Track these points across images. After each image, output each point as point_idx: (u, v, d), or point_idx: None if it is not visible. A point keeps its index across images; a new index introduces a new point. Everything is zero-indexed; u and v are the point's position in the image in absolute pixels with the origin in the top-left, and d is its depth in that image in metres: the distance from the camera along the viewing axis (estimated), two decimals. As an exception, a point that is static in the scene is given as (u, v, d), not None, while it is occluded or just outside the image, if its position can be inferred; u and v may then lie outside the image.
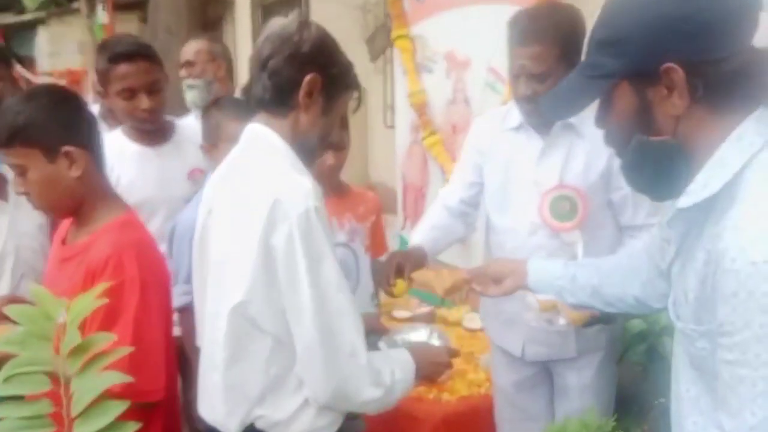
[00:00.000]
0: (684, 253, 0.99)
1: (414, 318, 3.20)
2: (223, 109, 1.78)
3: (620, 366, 2.30)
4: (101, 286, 1.11)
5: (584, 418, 1.54)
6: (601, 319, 1.68)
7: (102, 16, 8.79)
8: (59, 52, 9.14)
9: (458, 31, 3.14)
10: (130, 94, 1.93)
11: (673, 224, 1.00)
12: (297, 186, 1.19)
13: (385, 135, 4.91)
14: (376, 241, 2.14)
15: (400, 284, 1.72)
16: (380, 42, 4.72)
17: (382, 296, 3.47)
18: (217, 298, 1.26)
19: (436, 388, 2.46)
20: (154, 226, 2.02)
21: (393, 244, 4.01)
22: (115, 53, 1.93)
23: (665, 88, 0.91)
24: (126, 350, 1.05)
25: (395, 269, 1.73)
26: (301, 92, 1.23)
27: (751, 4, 0.89)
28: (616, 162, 1.76)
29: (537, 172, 1.81)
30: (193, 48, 2.70)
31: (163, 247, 1.95)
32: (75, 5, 8.62)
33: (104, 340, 1.03)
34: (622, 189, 1.79)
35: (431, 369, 1.44)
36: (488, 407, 2.21)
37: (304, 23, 1.25)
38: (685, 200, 0.94)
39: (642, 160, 0.98)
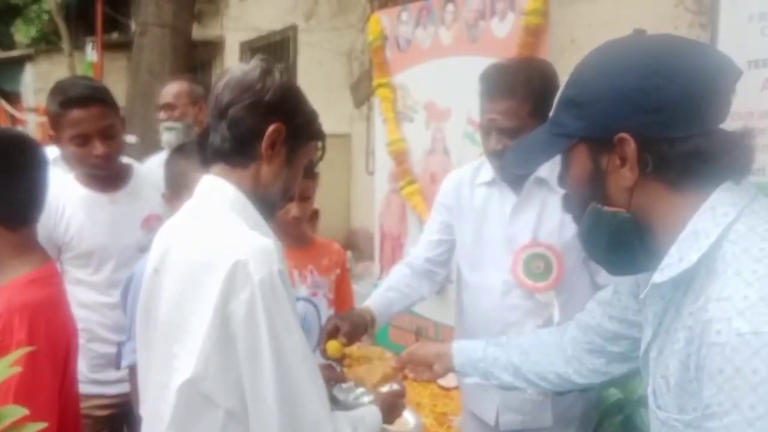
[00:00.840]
0: (662, 335, 0.92)
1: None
2: (189, 156, 1.70)
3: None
4: (16, 353, 1.02)
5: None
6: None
7: (91, 54, 8.86)
8: (45, 89, 9.12)
9: (439, 82, 3.14)
10: (83, 140, 1.84)
11: (649, 302, 0.93)
12: (260, 247, 1.08)
13: (367, 181, 4.88)
14: (341, 295, 2.03)
15: (332, 345, 1.63)
16: (364, 89, 4.74)
17: (355, 348, 3.38)
18: (165, 369, 1.14)
19: (405, 451, 2.35)
20: (104, 275, 1.92)
21: (370, 293, 3.93)
22: (68, 98, 1.82)
23: (618, 158, 0.88)
24: (42, 425, 0.95)
25: (330, 330, 1.64)
26: (264, 143, 1.14)
27: (718, 88, 0.86)
28: None
29: (510, 228, 1.74)
30: (173, 90, 2.65)
31: (114, 297, 1.87)
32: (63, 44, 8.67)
33: (13, 414, 0.93)
34: None
35: (391, 418, 1.39)
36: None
37: (267, 70, 1.17)
38: (660, 275, 0.88)
39: (595, 229, 0.94)
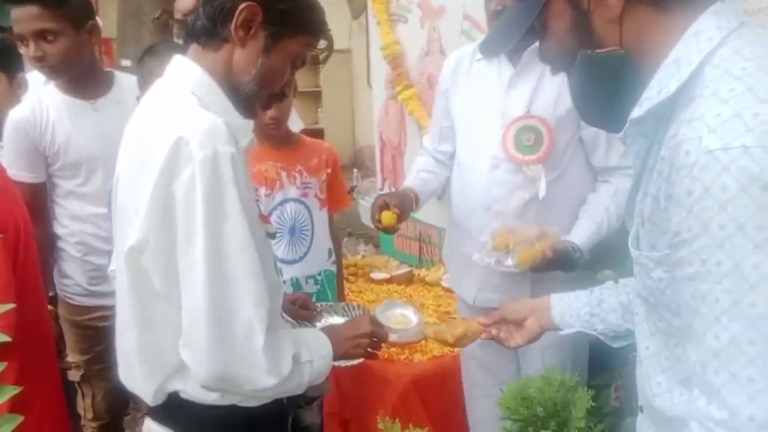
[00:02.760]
0: (646, 176, 0.87)
1: (392, 279, 3.13)
2: (158, 55, 1.65)
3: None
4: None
5: (548, 375, 1.46)
6: (556, 264, 1.59)
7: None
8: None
9: (432, -22, 2.98)
10: (21, 40, 1.79)
11: (629, 141, 0.87)
12: (207, 125, 1.02)
13: (368, 96, 4.77)
14: (334, 195, 2.02)
15: (387, 215, 1.65)
16: (361, -3, 4.53)
17: (360, 258, 3.40)
18: (119, 248, 1.12)
19: (408, 348, 2.40)
20: (94, 186, 1.92)
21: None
22: None
23: None
24: (5, 308, 0.95)
25: (380, 205, 1.68)
26: (234, 22, 1.07)
27: None
28: None
29: (505, 102, 1.71)
30: (185, 2, 2.56)
31: (104, 209, 1.86)
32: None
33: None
34: None
35: (351, 344, 1.28)
36: (459, 367, 2.13)
37: None
38: (638, 110, 0.83)
39: (591, 78, 0.88)
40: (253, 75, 1.12)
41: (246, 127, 1.14)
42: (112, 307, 1.98)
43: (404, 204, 1.72)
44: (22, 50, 1.80)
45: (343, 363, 1.45)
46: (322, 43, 1.20)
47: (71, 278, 2.00)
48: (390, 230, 1.69)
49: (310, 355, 1.14)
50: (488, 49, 0.98)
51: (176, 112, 1.06)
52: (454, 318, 2.63)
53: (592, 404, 1.38)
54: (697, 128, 0.73)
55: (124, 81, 2.00)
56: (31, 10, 1.76)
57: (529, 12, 0.91)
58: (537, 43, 1.62)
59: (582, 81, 0.90)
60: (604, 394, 1.91)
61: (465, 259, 1.79)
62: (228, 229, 1.01)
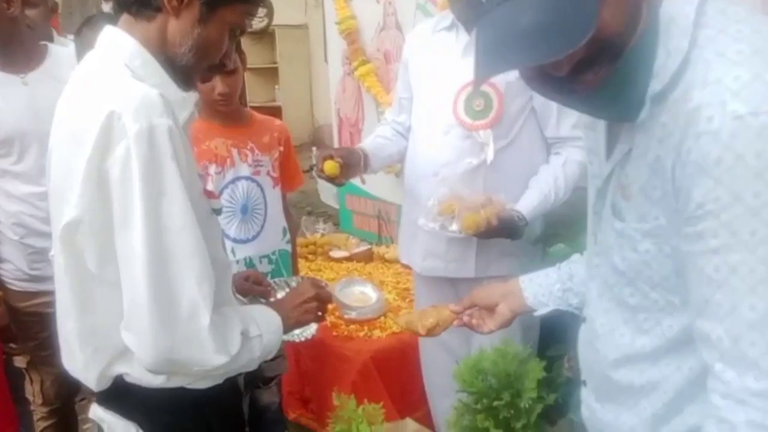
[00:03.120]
0: (634, 149, 0.83)
1: (352, 257, 3.13)
2: (96, 27, 1.57)
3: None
4: None
5: (501, 347, 1.47)
6: (500, 232, 1.60)
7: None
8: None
9: (387, -50, 2.93)
10: None
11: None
12: (140, 97, 0.97)
13: (327, 72, 4.71)
14: (288, 173, 1.98)
15: (329, 163, 1.65)
16: (316, -29, 4.44)
17: (319, 236, 3.38)
18: (54, 229, 1.07)
19: (368, 325, 2.40)
20: (29, 164, 1.85)
21: (333, 189, 3.89)
22: None
23: None
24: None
25: (324, 156, 1.68)
26: None
27: None
28: None
29: (458, 69, 1.69)
30: None
31: (43, 186, 1.79)
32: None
33: None
34: None
35: (299, 311, 1.25)
36: (418, 343, 2.15)
37: None
38: (657, 82, 0.75)
39: (623, 69, 0.75)
40: (190, 46, 1.07)
41: (185, 100, 1.09)
42: (53, 292, 1.96)
43: (350, 158, 1.72)
44: None
45: (296, 337, 1.44)
46: (261, 12, 1.15)
47: (10, 263, 1.93)
48: (333, 180, 1.69)
49: (258, 330, 1.12)
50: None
51: (108, 85, 1.01)
52: (409, 289, 2.65)
53: (546, 375, 1.41)
54: (716, 92, 0.69)
55: (60, 53, 1.92)
56: None
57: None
58: None
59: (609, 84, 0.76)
60: (558, 365, 1.94)
61: (413, 227, 1.79)
62: (167, 206, 0.97)
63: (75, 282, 1.05)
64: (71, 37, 3.83)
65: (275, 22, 4.39)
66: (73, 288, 1.06)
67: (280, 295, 1.49)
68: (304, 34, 5.36)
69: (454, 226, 1.58)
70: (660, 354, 0.85)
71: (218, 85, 1.71)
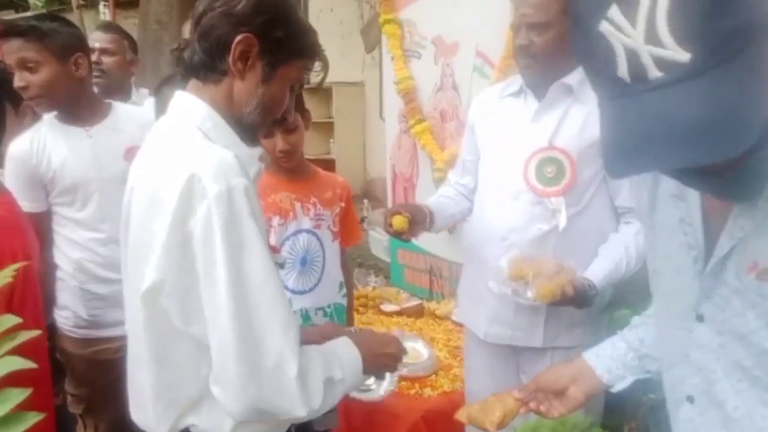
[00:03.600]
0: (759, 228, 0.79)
1: (402, 311, 3.12)
2: (175, 85, 1.68)
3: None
4: (13, 266, 1.03)
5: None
6: (571, 300, 1.57)
7: (103, 12, 8.82)
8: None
9: (446, 15, 3.04)
10: (10, 70, 1.86)
11: None
12: (218, 160, 1.02)
13: (381, 128, 4.83)
14: (347, 228, 2.03)
15: (398, 218, 1.67)
16: (375, 33, 4.61)
17: (370, 289, 3.39)
18: (133, 288, 1.11)
19: (419, 383, 2.38)
20: (90, 210, 1.93)
21: (385, 240, 3.92)
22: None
23: None
24: (32, 333, 0.96)
25: (392, 211, 1.71)
26: (232, 55, 1.07)
27: None
28: None
29: (528, 135, 1.72)
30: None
31: (103, 233, 1.92)
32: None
33: (8, 323, 0.94)
34: None
35: (381, 362, 1.26)
36: (468, 405, 2.11)
37: None
38: None
39: None
40: (255, 105, 1.12)
41: (252, 157, 1.14)
42: (113, 339, 1.95)
43: (417, 214, 1.74)
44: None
45: (363, 396, 1.42)
46: (317, 66, 1.21)
47: (69, 309, 1.98)
48: (401, 235, 1.70)
49: (342, 373, 1.12)
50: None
51: (185, 149, 1.07)
52: (460, 347, 2.62)
53: (606, 444, 1.36)
54: None
55: (121, 110, 2.06)
56: (16, 42, 1.84)
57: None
58: (563, 79, 1.66)
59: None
60: (618, 435, 1.88)
61: (478, 291, 1.77)
62: (248, 260, 1.01)
63: (155, 338, 1.08)
64: (144, 90, 4.07)
65: (333, 79, 4.54)
66: (150, 344, 1.08)
67: None
68: (360, 90, 5.53)
69: (529, 294, 1.54)
70: None
71: (279, 142, 1.78)
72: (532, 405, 1.21)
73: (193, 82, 1.14)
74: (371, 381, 1.37)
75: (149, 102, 2.72)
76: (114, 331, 1.97)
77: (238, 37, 1.07)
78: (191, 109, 1.11)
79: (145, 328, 1.08)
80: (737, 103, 0.60)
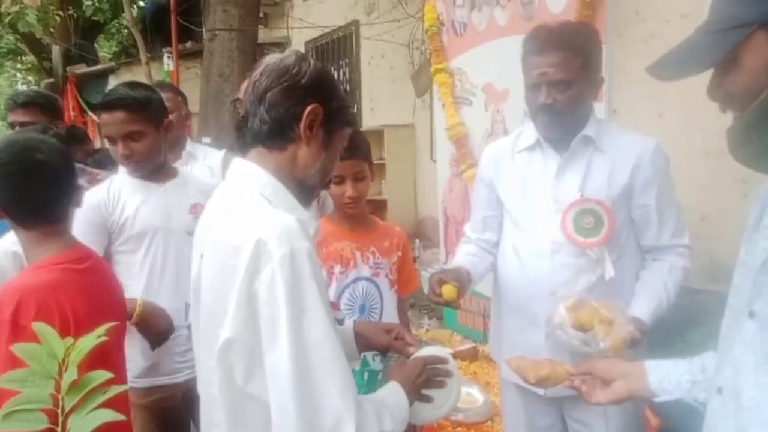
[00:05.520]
0: None
1: (456, 355, 3.14)
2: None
3: (663, 404, 2.16)
4: (105, 326, 1.13)
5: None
6: (635, 343, 1.56)
7: (168, 63, 9.32)
8: (127, 99, 9.62)
9: (496, 63, 3.13)
10: (111, 140, 2.02)
11: None
12: (282, 225, 1.07)
13: (431, 169, 4.91)
14: (404, 277, 2.09)
15: (447, 288, 1.64)
16: (425, 78, 4.75)
17: (424, 331, 3.43)
18: (206, 351, 1.16)
19: (474, 429, 2.40)
20: (152, 257, 2.03)
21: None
22: (101, 102, 2.04)
23: None
24: (121, 388, 1.05)
25: (438, 280, 1.68)
26: (303, 123, 1.17)
27: None
28: (639, 177, 1.71)
29: (556, 188, 1.75)
30: (244, 87, 2.82)
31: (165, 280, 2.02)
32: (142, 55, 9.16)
33: (100, 377, 1.04)
34: (647, 205, 1.72)
35: (417, 392, 1.29)
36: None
37: (302, 56, 1.21)
38: None
39: (766, 119, 0.87)
40: (318, 168, 1.21)
41: (311, 218, 1.21)
42: (172, 387, 2.07)
43: (461, 279, 1.72)
44: (110, 148, 2.05)
45: (415, 421, 1.45)
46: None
47: (130, 360, 1.99)
48: (452, 304, 1.67)
49: (392, 424, 1.16)
50: (660, 74, 0.95)
51: (252, 215, 1.12)
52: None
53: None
54: None
55: (185, 172, 2.25)
56: (120, 115, 1.98)
57: (722, 45, 0.90)
58: (584, 131, 1.70)
59: (756, 121, 0.88)
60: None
61: (532, 347, 1.77)
62: (310, 322, 1.05)
63: (228, 397, 1.13)
64: (206, 140, 4.30)
65: (384, 122, 4.70)
66: (225, 402, 1.13)
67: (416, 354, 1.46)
68: (411, 132, 5.66)
69: (602, 345, 1.51)
70: None
71: (349, 189, 1.88)
72: (577, 383, 1.26)
73: (256, 150, 1.21)
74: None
75: (213, 154, 2.89)
76: (172, 379, 2.07)
77: (309, 108, 1.17)
78: (252, 175, 1.18)
79: (220, 387, 1.13)
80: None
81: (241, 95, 2.68)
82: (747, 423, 0.90)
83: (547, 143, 1.78)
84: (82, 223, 1.99)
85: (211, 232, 1.21)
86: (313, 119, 1.18)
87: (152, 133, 2.04)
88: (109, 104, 2.00)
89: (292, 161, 1.20)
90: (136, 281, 2.04)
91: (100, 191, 2.06)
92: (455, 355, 3.14)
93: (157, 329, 1.99)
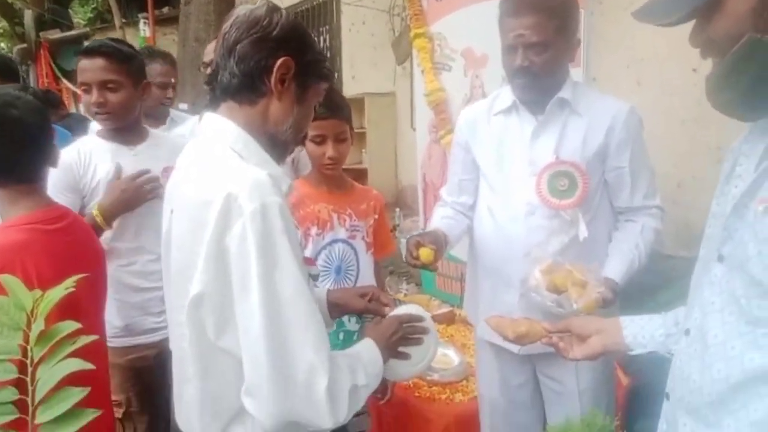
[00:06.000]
0: None
1: (434, 318, 3.17)
2: None
3: (630, 361, 2.21)
4: (74, 277, 1.12)
5: (588, 418, 1.48)
6: (607, 303, 1.59)
7: (144, 30, 9.12)
8: (103, 66, 9.40)
9: (475, 28, 3.10)
10: (86, 88, 1.98)
11: None
12: (252, 179, 1.06)
13: (412, 138, 4.89)
14: (380, 240, 2.10)
15: (425, 251, 1.63)
16: (405, 44, 4.69)
17: (402, 296, 3.46)
18: (177, 305, 1.16)
19: (450, 388, 2.43)
20: (127, 221, 2.02)
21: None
22: (83, 49, 2.02)
23: None
24: (92, 338, 1.05)
25: (415, 243, 1.67)
26: (274, 77, 1.14)
27: None
28: (614, 139, 1.73)
29: (531, 151, 1.76)
30: (212, 47, 2.77)
31: (139, 242, 2.03)
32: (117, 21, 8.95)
33: (68, 328, 1.04)
34: (620, 167, 1.74)
35: (392, 348, 1.31)
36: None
37: (274, 7, 1.17)
38: None
39: (746, 63, 0.86)
40: (290, 123, 1.19)
41: (283, 174, 1.20)
42: (148, 346, 2.08)
43: (438, 242, 1.72)
44: (84, 98, 2.01)
45: (392, 377, 1.47)
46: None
47: (108, 321, 2.00)
48: (429, 267, 1.67)
49: (366, 378, 1.16)
50: (646, 18, 0.94)
51: (222, 170, 1.10)
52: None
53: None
54: None
55: (156, 134, 2.21)
56: (99, 62, 1.95)
57: None
58: (560, 94, 1.71)
59: (735, 66, 0.88)
60: (646, 440, 1.91)
61: (506, 307, 1.79)
62: (282, 276, 1.04)
63: (198, 351, 1.13)
64: (183, 106, 4.23)
65: (365, 90, 4.64)
66: (195, 357, 1.13)
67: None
68: (392, 101, 5.61)
69: (575, 305, 1.54)
70: (764, 372, 0.86)
71: (329, 150, 1.87)
72: (555, 340, 1.29)
73: (227, 104, 1.19)
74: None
75: (189, 120, 2.86)
76: (148, 338, 2.08)
77: (279, 60, 1.14)
78: (223, 131, 1.16)
79: (190, 341, 1.13)
80: None
81: (206, 58, 2.65)
82: (712, 360, 0.92)
83: (524, 106, 1.78)
84: (56, 183, 1.98)
85: (181, 187, 1.19)
86: (284, 72, 1.16)
87: (129, 88, 2.01)
88: (90, 50, 1.98)
89: (264, 116, 1.18)
90: (112, 245, 2.02)
91: (71, 152, 2.03)
92: (434, 319, 3.19)
93: (113, 195, 1.99)
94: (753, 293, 0.88)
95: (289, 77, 1.17)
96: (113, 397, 2.15)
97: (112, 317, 2.04)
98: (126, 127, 2.07)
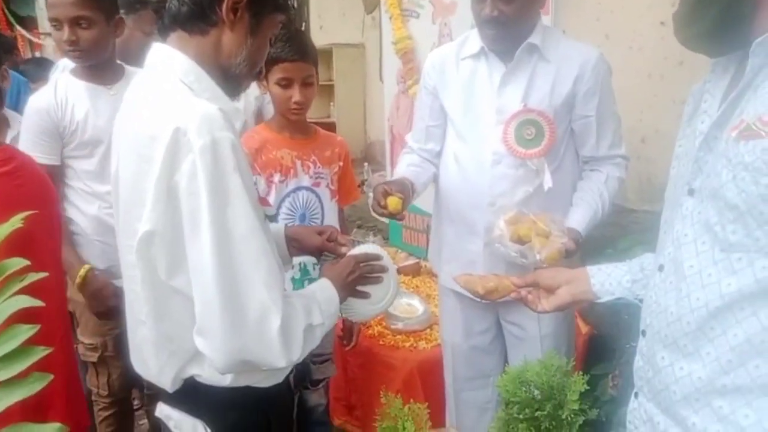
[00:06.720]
0: (750, 90, 0.88)
1: (400, 270, 3.20)
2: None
3: (590, 311, 2.27)
4: (22, 215, 1.08)
5: (545, 360, 1.51)
6: (570, 254, 1.61)
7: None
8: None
9: (445, -25, 3.04)
10: (57, 24, 1.90)
11: (752, 59, 0.86)
12: (202, 114, 1.01)
13: (381, 92, 4.82)
14: (345, 187, 2.08)
15: (392, 200, 1.61)
16: (375, -7, 4.58)
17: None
18: (126, 246, 1.13)
19: (413, 336, 2.47)
20: (107, 165, 1.97)
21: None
22: None
23: None
24: (41, 275, 1.02)
25: (382, 192, 1.64)
26: (225, 5, 1.09)
27: None
28: (582, 87, 1.72)
29: (498, 99, 1.74)
30: None
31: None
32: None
33: (16, 264, 1.00)
34: (587, 116, 1.74)
35: (350, 287, 1.30)
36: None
37: None
38: None
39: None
40: (244, 56, 1.14)
41: (237, 111, 1.16)
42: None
43: (405, 190, 1.69)
44: (54, 35, 1.91)
45: (353, 317, 1.46)
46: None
47: (87, 262, 2.03)
48: (396, 216, 1.65)
49: (321, 318, 1.15)
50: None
51: (169, 103, 1.06)
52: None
53: (590, 392, 1.44)
54: None
55: (133, 71, 2.10)
56: None
57: None
58: (529, 39, 1.68)
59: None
60: (603, 384, 1.97)
61: (469, 256, 1.81)
62: (234, 214, 1.01)
63: (150, 292, 1.10)
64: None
65: (333, 41, 4.53)
66: (148, 298, 1.11)
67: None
68: (361, 52, 5.49)
69: (538, 256, 1.55)
70: (742, 296, 0.87)
71: (296, 94, 1.82)
72: (523, 293, 1.29)
73: (177, 34, 1.13)
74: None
75: None
76: None
77: None
78: (172, 62, 1.11)
79: (141, 281, 1.10)
80: None
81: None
82: (690, 289, 0.93)
83: (492, 53, 1.75)
84: (31, 129, 1.95)
85: (129, 122, 1.14)
86: (236, 1, 1.10)
87: (102, 23, 1.93)
88: None
89: (216, 47, 1.13)
90: (93, 188, 1.99)
91: (46, 95, 1.97)
92: (399, 271, 3.21)
93: (102, 305, 2.00)
94: (728, 218, 0.88)
95: (242, 6, 1.11)
96: (89, 341, 2.14)
97: (95, 259, 2.03)
98: (101, 65, 2.00)
